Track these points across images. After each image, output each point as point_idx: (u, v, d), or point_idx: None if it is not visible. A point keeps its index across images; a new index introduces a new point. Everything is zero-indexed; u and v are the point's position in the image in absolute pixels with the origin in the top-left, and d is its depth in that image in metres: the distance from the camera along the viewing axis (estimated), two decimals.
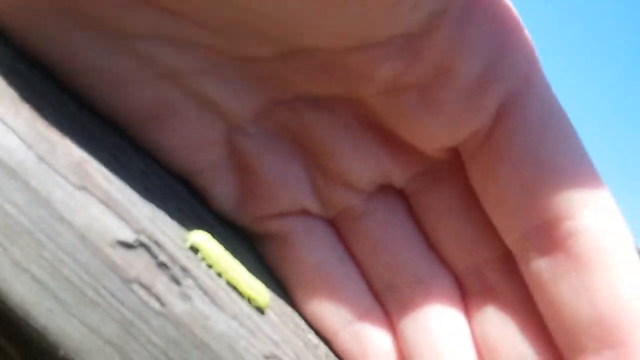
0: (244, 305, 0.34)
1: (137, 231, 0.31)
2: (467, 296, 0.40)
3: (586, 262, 0.33)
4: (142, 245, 0.31)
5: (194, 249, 0.34)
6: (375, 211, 0.43)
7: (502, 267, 0.39)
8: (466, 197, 0.40)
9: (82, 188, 0.30)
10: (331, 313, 0.41)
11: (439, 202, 0.41)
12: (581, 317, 0.33)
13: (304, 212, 0.43)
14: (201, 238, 0.35)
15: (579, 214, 0.34)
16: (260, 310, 0.36)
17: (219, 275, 0.35)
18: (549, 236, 0.35)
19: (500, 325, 0.38)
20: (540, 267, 0.35)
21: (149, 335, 0.30)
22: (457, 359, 0.38)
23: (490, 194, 0.38)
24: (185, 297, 0.31)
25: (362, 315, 0.41)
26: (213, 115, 0.40)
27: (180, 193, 0.40)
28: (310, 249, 0.42)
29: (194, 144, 0.40)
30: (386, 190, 0.43)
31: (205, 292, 0.32)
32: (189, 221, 0.36)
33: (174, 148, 0.40)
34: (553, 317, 0.35)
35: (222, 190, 0.42)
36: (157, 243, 0.31)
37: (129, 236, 0.31)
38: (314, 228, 0.43)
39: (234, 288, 0.35)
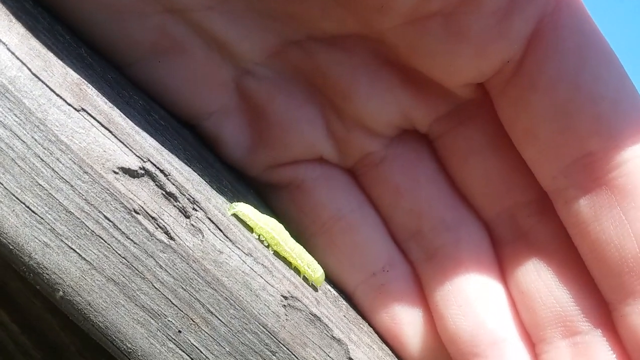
0: (259, 243, 0.31)
1: (142, 158, 0.28)
2: (498, 245, 0.37)
3: (632, 195, 0.31)
4: (148, 173, 0.28)
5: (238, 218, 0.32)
6: (396, 157, 0.40)
7: (536, 211, 0.36)
8: (495, 138, 0.37)
9: (81, 109, 0.27)
10: (352, 263, 0.39)
11: (466, 144, 0.38)
12: (629, 255, 0.30)
13: (321, 160, 0.40)
14: (246, 208, 0.33)
15: (622, 145, 0.31)
16: (314, 287, 0.33)
17: (267, 246, 0.33)
18: (589, 170, 0.32)
19: (535, 274, 0.35)
20: (581, 206, 0.32)
21: (156, 271, 0.28)
22: (489, 313, 0.35)
23: (522, 128, 0.34)
24: (196, 230, 0.29)
25: (385, 265, 0.38)
26: (222, 56, 0.37)
27: (185, 136, 0.37)
28: (328, 196, 0.40)
29: (202, 85, 0.38)
30: (408, 135, 0.40)
31: (217, 225, 0.29)
32: (195, 161, 0.33)
33: (180, 88, 0.37)
34: (596, 259, 0.32)
35: (232, 135, 0.39)
36: (164, 172, 0.29)
37: (133, 163, 0.28)
38: (332, 175, 0.40)
39: (284, 260, 0.33)
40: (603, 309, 0.33)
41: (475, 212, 0.38)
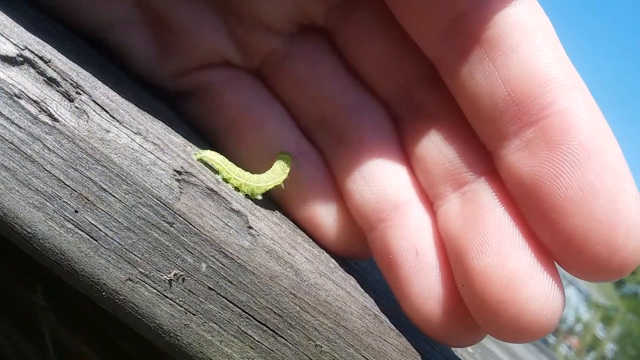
0: (150, 123, 0.32)
1: (19, 46, 0.29)
2: (398, 121, 0.40)
3: (499, 45, 0.32)
4: (27, 60, 0.29)
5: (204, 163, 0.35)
6: (298, 52, 0.41)
7: (427, 83, 0.38)
8: (384, 21, 0.39)
9: None
10: (262, 153, 0.40)
11: (359, 30, 0.40)
12: (499, 100, 0.32)
13: (227, 64, 0.42)
14: (213, 154, 0.35)
15: (487, 3, 0.32)
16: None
17: (247, 196, 0.36)
18: (463, 31, 0.33)
19: (427, 139, 0.37)
20: (459, 66, 0.34)
21: (44, 153, 0.29)
22: (391, 181, 0.37)
23: (402, 3, 0.36)
24: (80, 111, 0.29)
25: (294, 153, 0.40)
26: None
27: (83, 46, 0.38)
28: (236, 95, 0.41)
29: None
30: (307, 31, 0.41)
31: (102, 107, 0.30)
32: (90, 65, 0.34)
33: (78, 3, 0.38)
34: (475, 112, 0.34)
35: (137, 45, 0.40)
36: (43, 59, 0.29)
37: (10, 50, 0.29)
38: (238, 76, 0.42)
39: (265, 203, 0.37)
40: (488, 161, 0.34)
41: (374, 95, 0.40)
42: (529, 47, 0.31)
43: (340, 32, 0.41)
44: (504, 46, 0.31)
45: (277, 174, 0.37)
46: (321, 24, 0.41)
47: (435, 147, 0.36)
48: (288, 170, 0.37)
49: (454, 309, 0.34)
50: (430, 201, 0.37)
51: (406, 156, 0.39)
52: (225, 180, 0.34)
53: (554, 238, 0.30)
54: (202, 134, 0.41)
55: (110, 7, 0.39)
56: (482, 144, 0.34)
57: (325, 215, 0.39)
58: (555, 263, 0.32)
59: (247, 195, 0.35)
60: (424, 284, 0.35)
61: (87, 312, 0.42)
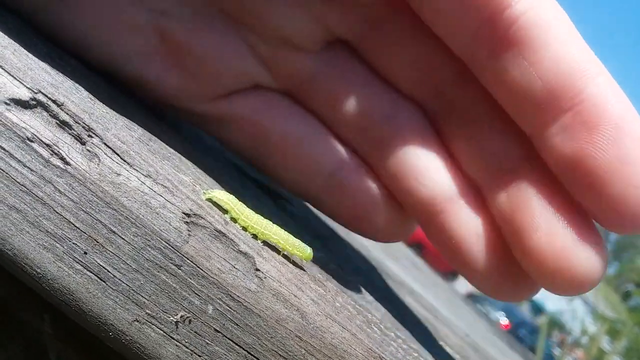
0: (159, 164, 0.32)
1: (33, 90, 0.29)
2: (435, 120, 0.43)
3: (529, 43, 0.35)
4: (40, 104, 0.29)
5: (216, 205, 0.34)
6: (328, 69, 0.43)
7: (460, 81, 0.41)
8: (412, 27, 0.41)
9: None
10: (308, 173, 0.43)
11: (388, 40, 0.42)
12: (535, 92, 0.35)
13: (256, 88, 0.43)
14: (222, 194, 0.35)
15: (515, 4, 0.35)
16: (300, 267, 0.36)
17: (254, 237, 0.35)
18: (493, 31, 0.36)
19: (468, 133, 0.41)
20: (494, 64, 0.37)
21: (55, 196, 0.29)
22: (441, 176, 0.41)
23: (430, 10, 0.38)
24: (92, 154, 0.30)
25: (339, 166, 0.43)
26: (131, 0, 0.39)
27: (96, 79, 0.38)
28: (273, 120, 0.43)
29: (114, 28, 0.39)
30: (334, 47, 0.43)
31: (113, 150, 0.30)
32: (102, 104, 0.34)
33: (91, 33, 0.38)
34: (514, 106, 0.37)
35: (158, 75, 0.41)
36: (56, 103, 0.30)
37: (23, 94, 0.29)
38: (271, 100, 0.44)
39: (271, 245, 0.36)
40: (525, 149, 0.39)
41: (409, 99, 0.43)
42: (556, 42, 0.35)
43: (367, 44, 0.42)
44: (535, 45, 0.35)
45: (290, 241, 0.36)
46: (347, 38, 0.42)
47: (475, 141, 0.41)
48: (298, 254, 0.37)
49: (514, 275, 0.40)
50: (476, 189, 0.42)
51: (448, 152, 0.42)
52: (234, 220, 0.34)
53: (598, 204, 0.36)
54: (235, 160, 0.42)
55: (128, 39, 0.39)
56: (517, 133, 0.39)
57: (375, 216, 0.44)
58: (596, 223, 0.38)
59: (254, 236, 0.35)
60: (488, 260, 0.41)
61: (95, 342, 0.43)
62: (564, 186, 0.37)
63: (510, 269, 0.41)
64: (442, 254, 0.43)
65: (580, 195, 0.37)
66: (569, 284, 0.37)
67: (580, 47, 0.35)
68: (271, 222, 0.36)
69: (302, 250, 0.36)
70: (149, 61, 0.40)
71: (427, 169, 0.41)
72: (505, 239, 0.40)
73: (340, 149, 0.44)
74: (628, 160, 0.34)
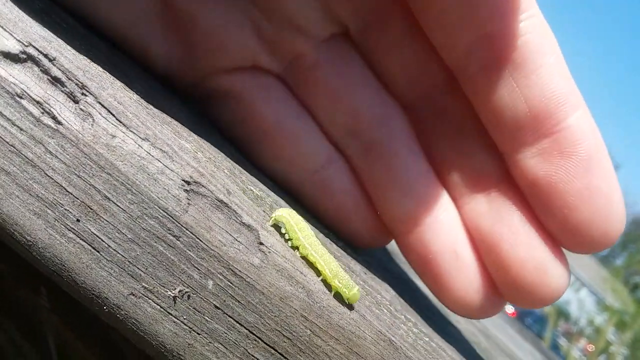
0: (159, 127, 0.30)
1: (23, 42, 0.27)
2: (421, 123, 0.42)
3: (522, 66, 0.36)
4: (30, 58, 0.27)
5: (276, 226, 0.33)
6: (328, 60, 0.41)
7: (449, 90, 0.40)
8: (411, 32, 0.40)
9: None
10: (295, 166, 0.42)
11: (389, 39, 0.41)
12: (519, 114, 0.36)
13: (255, 68, 0.41)
14: (286, 211, 0.33)
15: (515, 25, 0.36)
16: (350, 305, 0.32)
17: (303, 258, 0.32)
18: (490, 47, 0.36)
19: (452, 143, 0.41)
20: (482, 80, 0.37)
21: (47, 158, 0.27)
22: (422, 186, 0.41)
23: (432, 16, 0.38)
24: (85, 114, 0.28)
25: (326, 165, 0.42)
26: None
27: (94, 41, 0.36)
28: (268, 107, 0.41)
29: None
30: (337, 40, 0.41)
31: (108, 110, 0.28)
32: (99, 63, 0.32)
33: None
34: (494, 122, 0.38)
35: (160, 44, 0.39)
36: (48, 57, 0.28)
37: (13, 47, 0.27)
38: (268, 84, 0.42)
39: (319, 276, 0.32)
40: (503, 166, 0.40)
41: (399, 102, 0.42)
42: (546, 70, 0.36)
43: (369, 40, 0.41)
44: (527, 69, 0.36)
45: (346, 281, 0.32)
46: (351, 29, 0.41)
47: (458, 153, 0.41)
48: (342, 292, 0.32)
49: (488, 292, 0.41)
50: (454, 199, 0.41)
51: (431, 160, 0.42)
52: (288, 240, 0.32)
53: (563, 227, 0.37)
54: (228, 139, 0.40)
55: (133, 3, 0.37)
56: (497, 149, 0.39)
57: (355, 218, 0.43)
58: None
59: (303, 257, 0.33)
60: (465, 279, 0.40)
61: (91, 314, 0.41)
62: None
63: (487, 287, 0.41)
64: (413, 267, 0.43)
65: (546, 216, 0.38)
66: (540, 298, 0.38)
67: (565, 77, 0.36)
68: (326, 251, 0.33)
69: (348, 288, 0.32)
70: (153, 29, 0.39)
71: (410, 178, 0.41)
72: (482, 251, 0.40)
73: (329, 147, 0.43)
74: (597, 190, 0.36)
